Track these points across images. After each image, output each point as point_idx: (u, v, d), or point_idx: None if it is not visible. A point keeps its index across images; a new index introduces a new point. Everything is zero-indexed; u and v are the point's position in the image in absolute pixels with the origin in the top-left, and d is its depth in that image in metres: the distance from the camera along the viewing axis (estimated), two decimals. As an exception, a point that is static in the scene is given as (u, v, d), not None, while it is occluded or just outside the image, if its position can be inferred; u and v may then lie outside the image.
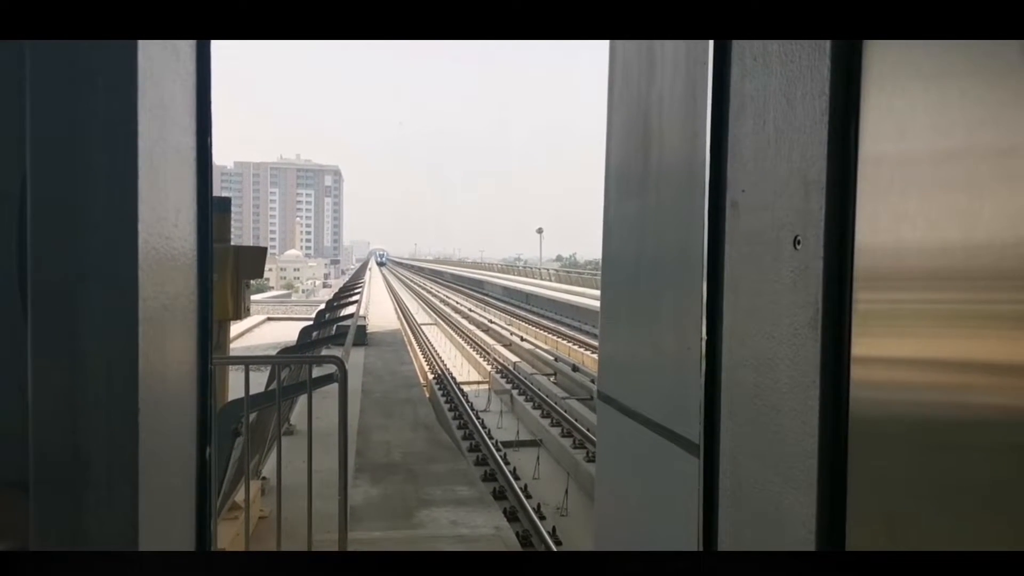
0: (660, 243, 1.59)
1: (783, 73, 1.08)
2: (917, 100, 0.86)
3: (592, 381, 18.06)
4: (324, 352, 8.83)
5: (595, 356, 20.91)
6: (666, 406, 1.52)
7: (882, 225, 0.91)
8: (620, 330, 1.85)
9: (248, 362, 4.15)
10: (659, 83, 1.61)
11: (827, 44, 0.98)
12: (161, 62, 0.89)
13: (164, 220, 0.91)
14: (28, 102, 0.78)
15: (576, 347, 23.79)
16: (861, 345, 0.94)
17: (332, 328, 12.43)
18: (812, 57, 1.01)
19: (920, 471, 0.84)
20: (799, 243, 1.04)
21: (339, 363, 4.26)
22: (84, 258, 0.80)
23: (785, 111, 1.07)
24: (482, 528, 6.05)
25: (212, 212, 1.07)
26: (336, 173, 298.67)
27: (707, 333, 1.30)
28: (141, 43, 0.82)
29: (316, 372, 4.76)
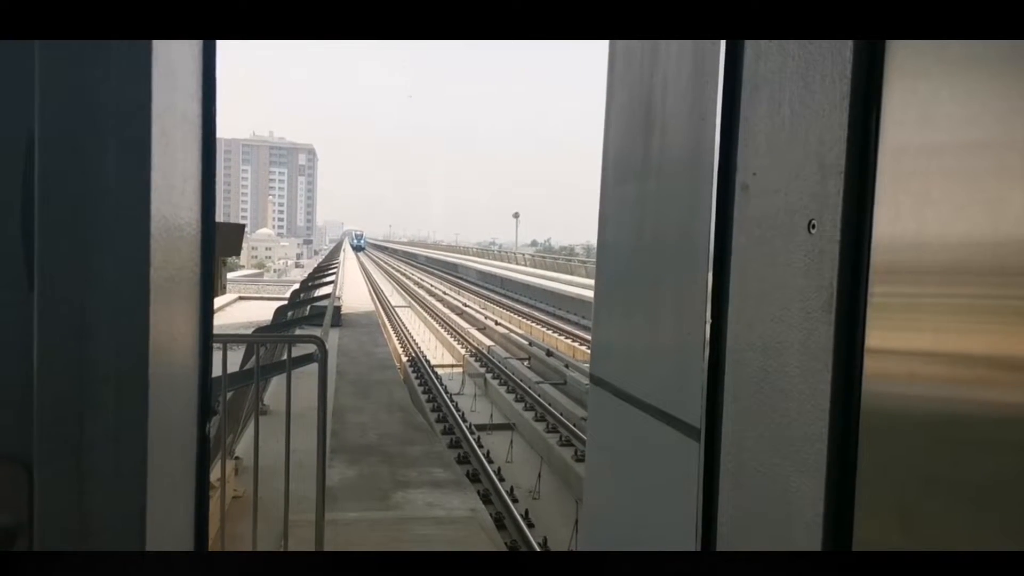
0: (662, 227, 1.58)
1: (801, 55, 1.07)
2: (942, 85, 0.85)
3: (566, 366, 18.15)
4: (300, 332, 8.75)
5: (569, 342, 21.08)
6: (665, 389, 1.52)
7: (902, 212, 0.91)
8: (616, 313, 1.85)
9: (227, 340, 4.08)
10: (663, 65, 1.60)
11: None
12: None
13: (173, 188, 0.87)
14: (36, 64, 0.74)
15: (550, 332, 23.88)
16: (876, 333, 0.94)
17: (306, 308, 12.31)
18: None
19: (933, 464, 0.85)
20: (814, 227, 1.04)
21: (319, 343, 4.22)
22: (94, 225, 0.77)
23: (802, 93, 1.06)
24: (458, 510, 6.07)
25: (215, 182, 1.04)
26: (311, 152, 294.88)
27: (712, 317, 1.30)
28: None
29: (294, 352, 4.71)
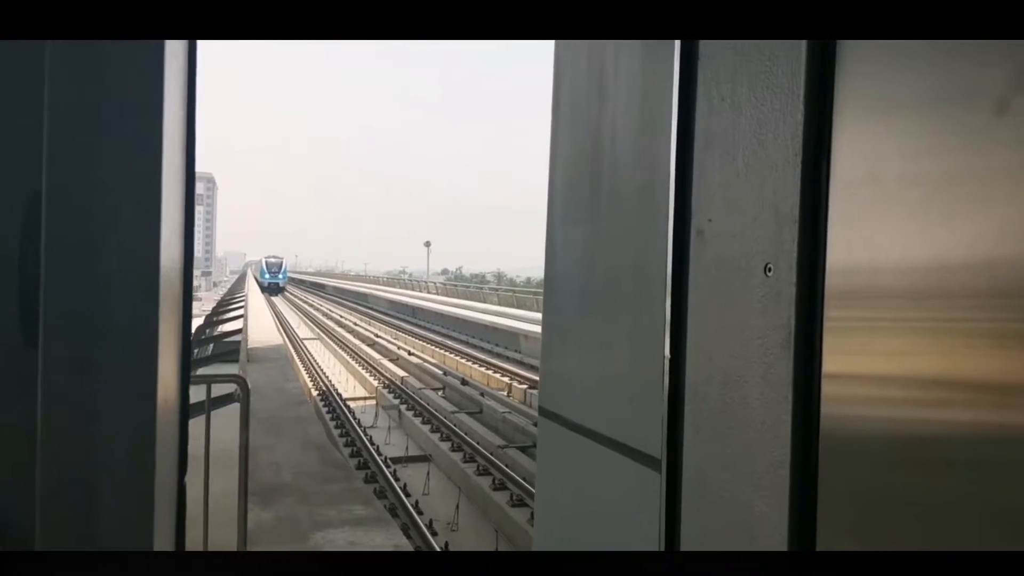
0: (615, 265, 1.66)
1: (753, 115, 1.17)
2: (888, 140, 0.97)
3: (482, 395, 18.15)
4: (215, 371, 8.38)
5: (483, 370, 21.07)
6: (623, 422, 1.59)
7: (852, 256, 1.01)
8: (567, 348, 1.91)
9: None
10: (611, 113, 1.69)
11: (800, 90, 1.08)
12: (174, 71, 0.85)
13: (171, 244, 0.86)
14: (45, 123, 0.72)
15: (464, 361, 23.82)
16: (832, 368, 1.03)
17: (210, 347, 11.81)
18: (784, 102, 1.11)
19: (893, 487, 0.94)
20: (770, 270, 1.13)
21: (241, 382, 4.09)
22: (103, 271, 0.75)
23: (756, 149, 1.16)
24: (383, 547, 5.93)
25: (194, 229, 1.03)
26: (209, 181, 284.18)
27: (670, 351, 1.38)
28: (168, 56, 0.78)
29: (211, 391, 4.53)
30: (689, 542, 1.33)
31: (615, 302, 1.66)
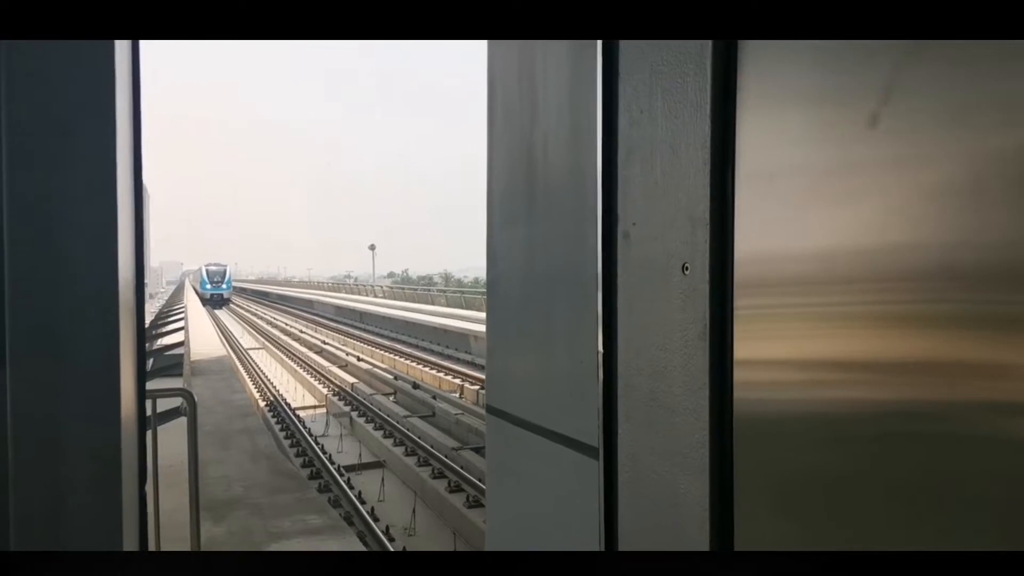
0: (551, 267, 1.76)
1: (668, 127, 1.28)
2: (781, 147, 1.09)
3: (434, 397, 18.13)
4: (150, 385, 8.22)
5: (435, 373, 21.02)
6: (562, 415, 1.68)
7: (756, 256, 1.13)
8: (510, 347, 2.00)
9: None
10: (543, 125, 1.79)
11: (707, 105, 1.19)
12: (122, 87, 0.89)
13: (126, 264, 0.91)
14: (4, 150, 0.76)
15: (415, 364, 23.74)
16: (742, 356, 1.15)
17: (151, 361, 11.52)
18: (694, 115, 1.22)
19: (795, 454, 1.06)
20: (687, 269, 1.24)
21: (188, 396, 4.06)
22: (67, 286, 0.78)
23: (671, 158, 1.28)
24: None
25: (143, 233, 1.06)
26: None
27: (603, 346, 1.48)
28: (117, 66, 0.82)
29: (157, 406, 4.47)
30: (626, 520, 1.44)
31: (552, 302, 1.76)
